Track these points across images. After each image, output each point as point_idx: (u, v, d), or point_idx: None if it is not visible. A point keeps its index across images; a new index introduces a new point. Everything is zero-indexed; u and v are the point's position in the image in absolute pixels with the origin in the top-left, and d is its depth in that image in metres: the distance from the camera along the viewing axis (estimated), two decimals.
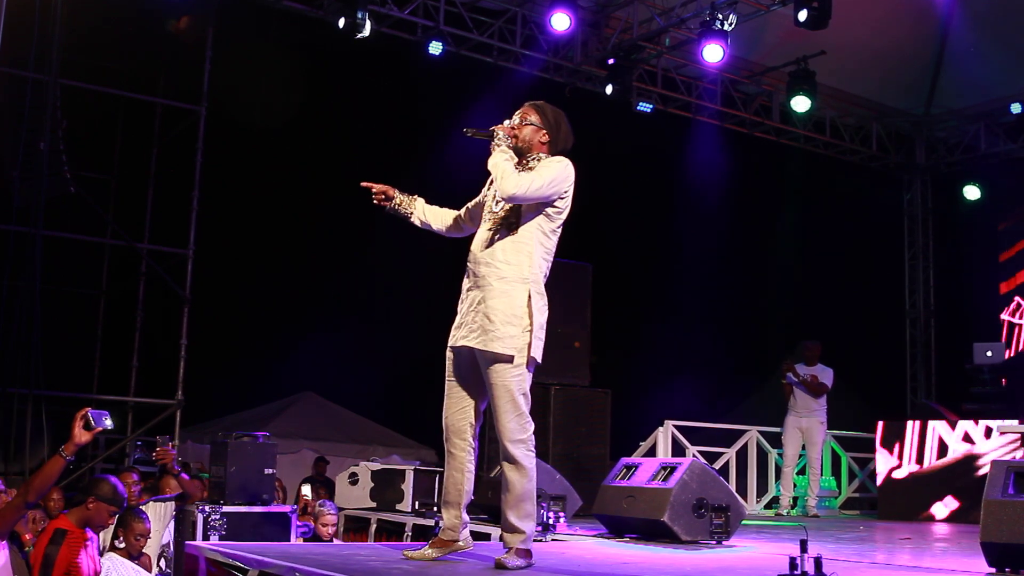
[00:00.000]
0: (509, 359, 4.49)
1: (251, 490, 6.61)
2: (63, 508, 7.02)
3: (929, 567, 5.80)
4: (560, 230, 4.73)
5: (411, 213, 4.98)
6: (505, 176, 4.54)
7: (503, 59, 13.09)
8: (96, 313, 14.60)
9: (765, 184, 16.20)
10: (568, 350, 9.43)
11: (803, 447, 11.06)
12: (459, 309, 4.72)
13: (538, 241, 4.62)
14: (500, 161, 4.60)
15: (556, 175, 4.60)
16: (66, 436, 4.93)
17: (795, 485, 11.50)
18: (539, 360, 4.63)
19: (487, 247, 4.62)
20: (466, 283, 4.71)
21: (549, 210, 4.64)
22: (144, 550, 6.57)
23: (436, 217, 5.01)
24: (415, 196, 5.02)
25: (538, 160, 4.68)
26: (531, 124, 4.75)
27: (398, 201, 4.96)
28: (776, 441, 11.57)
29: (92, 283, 14.52)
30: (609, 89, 12.74)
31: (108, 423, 4.95)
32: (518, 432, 4.52)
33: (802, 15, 10.83)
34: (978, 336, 12.92)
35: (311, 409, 16.39)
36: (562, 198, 4.65)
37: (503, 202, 4.65)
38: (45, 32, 10.81)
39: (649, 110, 13.69)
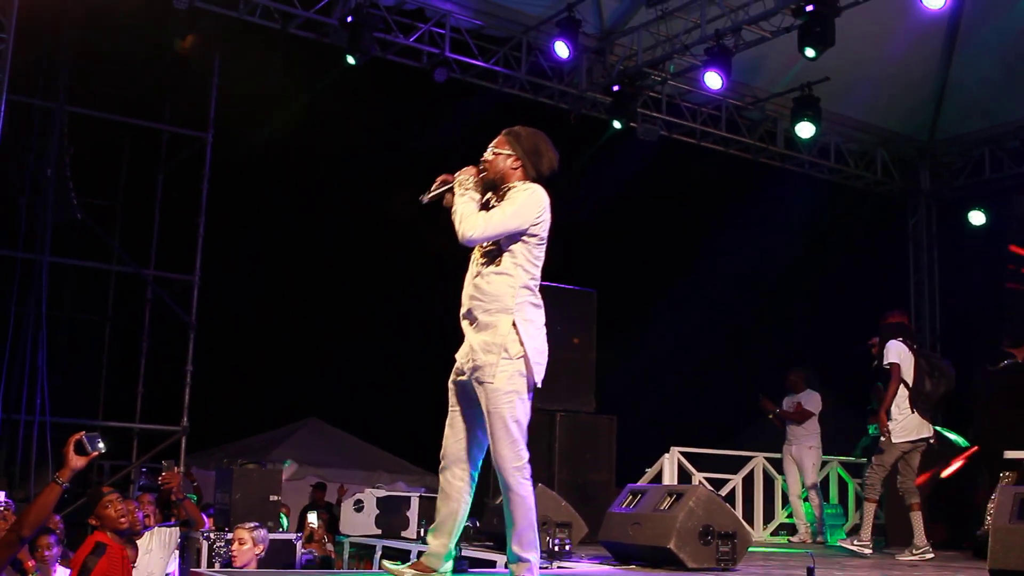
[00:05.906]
0: (490, 384, 4.46)
1: (256, 517, 6.60)
2: (63, 533, 6.98)
3: None
4: (543, 254, 4.66)
5: None
6: (462, 220, 4.52)
7: (508, 86, 13.12)
8: (102, 339, 14.61)
9: (770, 210, 16.22)
10: (573, 376, 9.42)
11: None
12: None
13: (522, 270, 4.57)
14: (458, 207, 4.58)
15: (518, 207, 4.55)
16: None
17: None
18: (538, 384, 4.58)
19: (475, 284, 4.60)
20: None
21: (526, 238, 4.58)
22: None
23: None
24: None
25: (510, 189, 4.63)
26: (502, 153, 4.71)
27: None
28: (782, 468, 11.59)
29: (98, 309, 14.54)
30: (617, 124, 12.77)
31: (101, 446, 4.68)
32: (513, 459, 4.48)
33: (805, 42, 10.85)
34: (983, 361, 12.86)
35: (316, 435, 16.38)
36: (535, 225, 4.59)
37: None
38: (52, 60, 10.89)
39: (653, 138, 13.72)
